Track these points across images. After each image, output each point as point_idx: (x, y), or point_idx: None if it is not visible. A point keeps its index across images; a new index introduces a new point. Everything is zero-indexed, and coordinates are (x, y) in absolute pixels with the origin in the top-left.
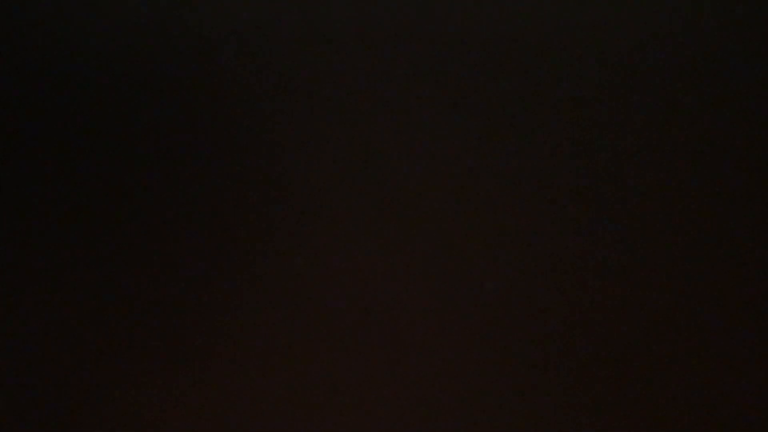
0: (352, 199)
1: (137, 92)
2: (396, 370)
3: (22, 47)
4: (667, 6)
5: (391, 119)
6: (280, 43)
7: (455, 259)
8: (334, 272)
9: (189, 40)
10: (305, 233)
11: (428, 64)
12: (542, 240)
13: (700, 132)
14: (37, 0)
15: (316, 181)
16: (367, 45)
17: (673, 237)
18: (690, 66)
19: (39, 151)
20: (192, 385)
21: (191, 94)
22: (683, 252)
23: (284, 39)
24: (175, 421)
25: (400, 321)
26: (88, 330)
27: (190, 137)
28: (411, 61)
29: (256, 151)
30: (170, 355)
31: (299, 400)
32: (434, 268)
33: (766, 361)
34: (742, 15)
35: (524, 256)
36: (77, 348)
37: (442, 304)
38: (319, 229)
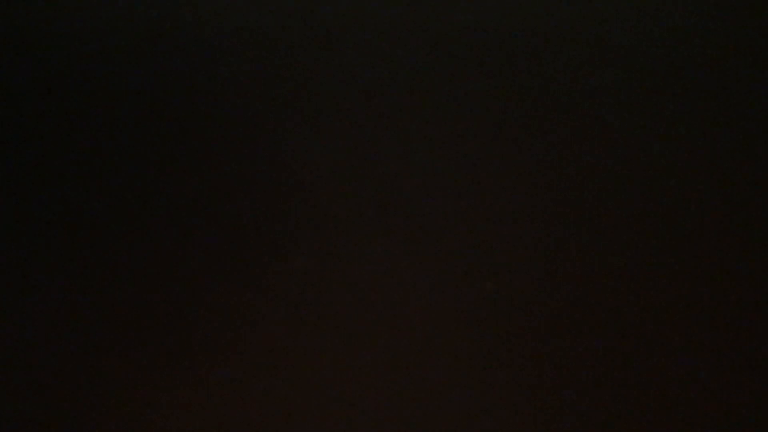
0: (353, 199)
1: (137, 92)
2: (398, 372)
3: (22, 47)
4: (667, 5)
5: (393, 120)
6: (282, 43)
7: (457, 260)
8: (336, 273)
9: (189, 39)
10: (306, 233)
11: (429, 64)
12: (543, 240)
13: (700, 132)
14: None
15: (318, 182)
16: (368, 45)
17: (674, 237)
18: (691, 65)
19: (42, 152)
20: (194, 386)
21: (192, 94)
22: (683, 252)
23: (286, 39)
24: (178, 422)
25: (403, 322)
26: (89, 330)
27: (190, 137)
28: (413, 62)
29: (257, 151)
30: (172, 356)
31: (302, 401)
32: (436, 269)
33: (766, 361)
34: (742, 15)
35: (526, 256)
36: (78, 349)
37: (444, 305)
38: (320, 230)
